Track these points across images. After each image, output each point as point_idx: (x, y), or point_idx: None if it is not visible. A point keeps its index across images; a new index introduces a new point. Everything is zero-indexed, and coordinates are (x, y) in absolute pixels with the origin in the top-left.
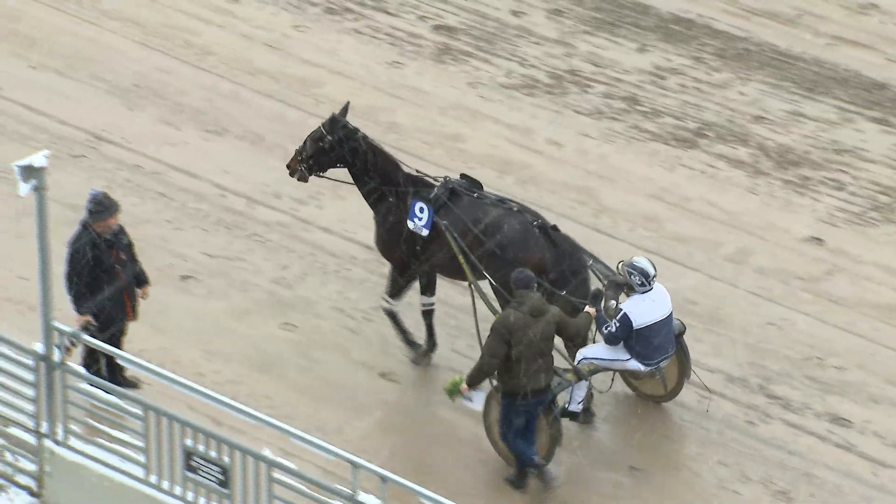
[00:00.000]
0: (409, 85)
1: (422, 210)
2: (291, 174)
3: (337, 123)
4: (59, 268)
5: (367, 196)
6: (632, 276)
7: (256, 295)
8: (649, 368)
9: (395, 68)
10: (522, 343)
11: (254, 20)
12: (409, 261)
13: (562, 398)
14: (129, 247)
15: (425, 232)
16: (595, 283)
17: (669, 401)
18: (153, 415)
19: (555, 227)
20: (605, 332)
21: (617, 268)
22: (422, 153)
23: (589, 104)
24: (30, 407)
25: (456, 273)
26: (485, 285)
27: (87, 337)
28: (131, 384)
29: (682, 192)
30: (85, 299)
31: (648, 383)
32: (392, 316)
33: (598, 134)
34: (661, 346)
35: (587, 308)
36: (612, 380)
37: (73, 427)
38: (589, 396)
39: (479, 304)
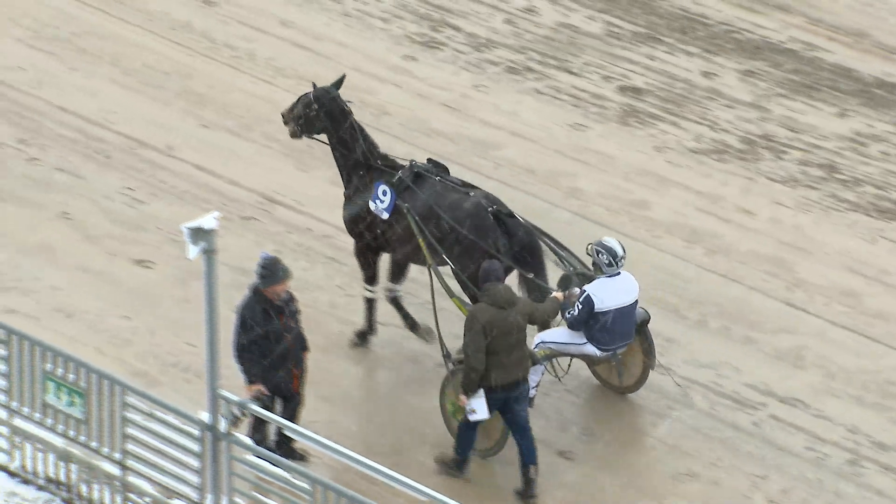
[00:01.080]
0: (593, 148)
1: (384, 193)
2: (285, 123)
3: (326, 93)
4: (227, 334)
5: (340, 169)
6: (600, 255)
7: (428, 366)
8: (605, 354)
9: (577, 131)
10: (496, 335)
11: (432, 79)
12: (371, 241)
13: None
14: (297, 313)
15: (386, 215)
16: (558, 272)
17: (634, 392)
18: (321, 489)
19: (511, 214)
20: (568, 315)
21: (587, 249)
22: (605, 220)
23: (784, 171)
24: (194, 478)
25: (417, 256)
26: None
27: (256, 407)
28: (299, 456)
29: (884, 265)
30: (255, 368)
31: (612, 372)
32: (370, 304)
33: (793, 203)
34: (620, 333)
35: (555, 293)
36: (570, 364)
37: (239, 500)
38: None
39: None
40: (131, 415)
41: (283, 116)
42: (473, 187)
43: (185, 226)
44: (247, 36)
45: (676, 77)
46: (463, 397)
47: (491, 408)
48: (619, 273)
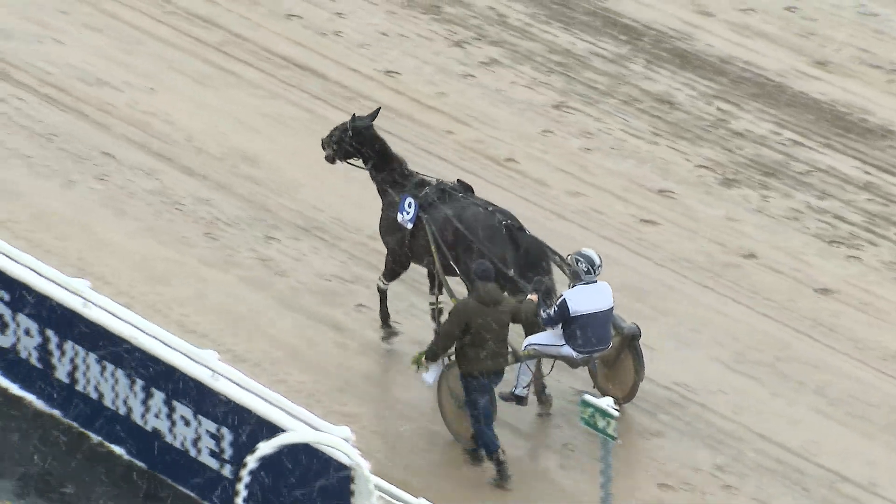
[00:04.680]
0: None
1: (410, 205)
2: (323, 148)
3: (361, 123)
4: None
5: (378, 188)
6: (578, 264)
7: None
8: (582, 357)
9: None
10: (478, 329)
11: None
12: (399, 250)
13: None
14: None
15: (410, 225)
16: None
17: (627, 402)
18: None
19: (521, 228)
20: (544, 315)
21: (567, 258)
22: None
23: None
24: None
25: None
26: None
27: None
28: None
29: None
30: None
31: (611, 384)
32: (383, 294)
33: None
34: (595, 337)
35: (530, 295)
36: (552, 366)
37: None
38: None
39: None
40: None
41: (321, 141)
42: (493, 205)
43: None
44: None
45: None
46: (424, 359)
47: (479, 392)
48: (595, 281)
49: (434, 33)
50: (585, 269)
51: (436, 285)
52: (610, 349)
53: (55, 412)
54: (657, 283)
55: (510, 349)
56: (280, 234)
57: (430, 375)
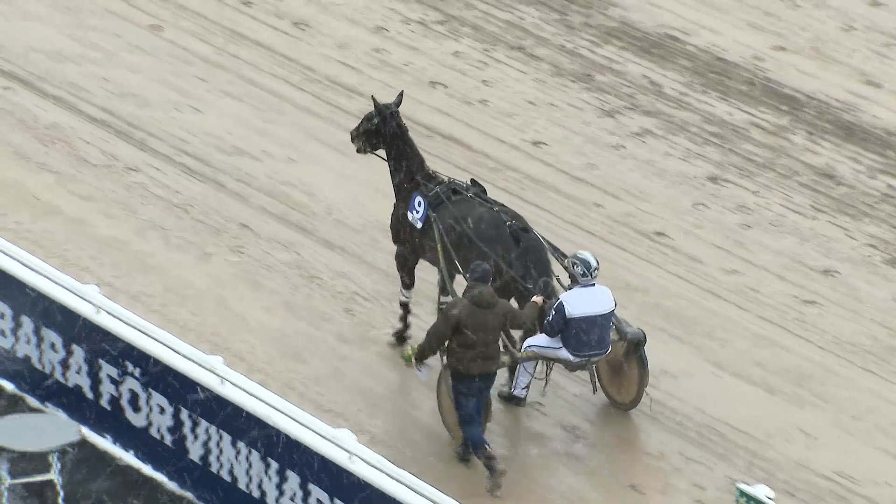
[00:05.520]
0: None
1: (420, 204)
2: (352, 141)
3: (385, 108)
4: None
5: (393, 181)
6: (575, 267)
7: None
8: (579, 360)
9: None
10: (469, 331)
11: None
12: (410, 249)
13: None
14: None
15: (419, 224)
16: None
17: (633, 408)
18: None
19: (525, 229)
20: (546, 323)
21: (564, 262)
22: None
23: None
24: None
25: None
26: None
27: None
28: None
29: None
30: None
31: (614, 388)
32: (405, 308)
33: None
34: (593, 341)
35: (535, 298)
36: (551, 368)
37: None
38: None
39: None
40: None
41: (350, 135)
42: (502, 205)
43: None
44: None
45: None
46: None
47: (470, 395)
48: (593, 284)
49: (585, 102)
50: (582, 272)
51: (440, 285)
52: (613, 354)
53: (188, 493)
54: (818, 368)
55: (509, 350)
56: (420, 310)
57: (423, 373)
